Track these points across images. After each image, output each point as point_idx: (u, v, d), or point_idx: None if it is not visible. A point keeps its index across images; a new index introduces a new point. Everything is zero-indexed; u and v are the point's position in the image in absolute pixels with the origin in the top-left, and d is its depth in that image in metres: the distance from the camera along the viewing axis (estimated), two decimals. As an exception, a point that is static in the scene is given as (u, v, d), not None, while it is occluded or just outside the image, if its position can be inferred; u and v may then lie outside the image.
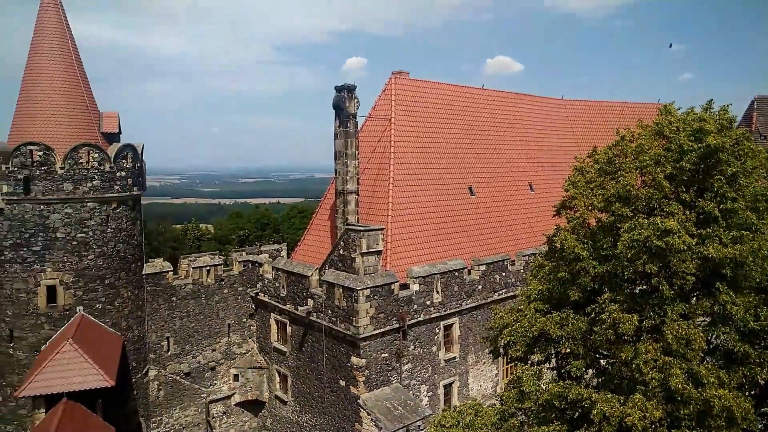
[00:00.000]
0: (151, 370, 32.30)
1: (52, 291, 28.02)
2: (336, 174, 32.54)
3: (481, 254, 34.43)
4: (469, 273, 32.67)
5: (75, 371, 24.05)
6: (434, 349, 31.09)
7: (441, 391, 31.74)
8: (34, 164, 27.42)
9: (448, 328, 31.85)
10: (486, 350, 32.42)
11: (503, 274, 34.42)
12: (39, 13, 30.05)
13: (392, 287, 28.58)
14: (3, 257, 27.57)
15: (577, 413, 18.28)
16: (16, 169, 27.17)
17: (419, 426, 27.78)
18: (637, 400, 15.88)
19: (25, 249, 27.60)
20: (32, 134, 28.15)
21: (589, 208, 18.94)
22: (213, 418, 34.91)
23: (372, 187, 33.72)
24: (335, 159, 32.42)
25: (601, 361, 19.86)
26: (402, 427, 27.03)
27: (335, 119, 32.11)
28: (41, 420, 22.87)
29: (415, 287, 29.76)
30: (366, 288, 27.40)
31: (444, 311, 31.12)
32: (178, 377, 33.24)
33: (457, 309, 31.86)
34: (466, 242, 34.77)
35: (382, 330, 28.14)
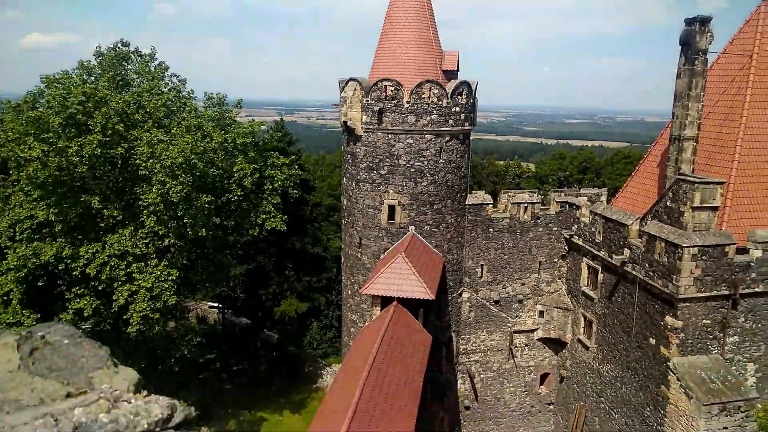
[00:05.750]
0: (464, 292, 35.41)
1: (391, 210, 32.58)
2: (673, 117, 29.60)
3: None
4: (835, 246, 26.89)
5: (404, 281, 27.87)
6: (772, 326, 26.93)
7: (774, 376, 27.59)
8: (387, 98, 31.55)
9: (795, 306, 27.10)
10: None
11: None
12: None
13: (726, 249, 25.40)
14: (359, 177, 32.99)
15: None
16: (373, 102, 31.71)
17: (739, 407, 24.85)
18: None
19: (375, 172, 32.47)
20: (387, 72, 32.26)
21: None
22: (515, 347, 36.83)
23: (715, 134, 29.82)
24: (675, 101, 29.40)
25: None
26: (717, 404, 24.58)
27: (680, 56, 28.86)
28: (378, 315, 27.44)
29: (757, 253, 25.89)
30: (694, 246, 24.94)
31: (792, 286, 26.49)
32: (487, 303, 35.76)
33: (812, 286, 26.75)
34: (838, 209, 28.45)
35: (707, 294, 25.47)
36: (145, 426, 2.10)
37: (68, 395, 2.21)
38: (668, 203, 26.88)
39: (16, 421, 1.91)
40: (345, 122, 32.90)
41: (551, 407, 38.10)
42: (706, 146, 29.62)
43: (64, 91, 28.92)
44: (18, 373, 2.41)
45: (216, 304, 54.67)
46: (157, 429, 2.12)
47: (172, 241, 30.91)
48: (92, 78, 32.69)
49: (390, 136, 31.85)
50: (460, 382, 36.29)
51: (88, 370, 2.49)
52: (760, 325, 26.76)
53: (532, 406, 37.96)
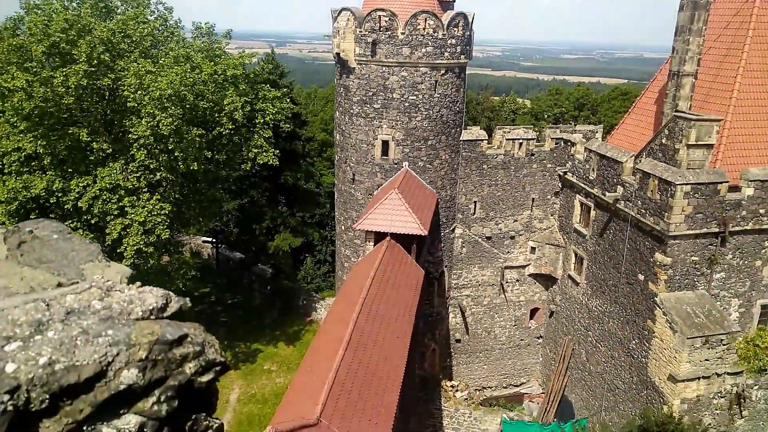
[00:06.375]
0: (457, 228, 35.61)
1: (385, 145, 32.24)
2: (673, 52, 29.03)
3: None
4: (826, 185, 27.03)
5: (397, 217, 27.91)
6: (758, 263, 27.43)
7: (757, 311, 28.32)
8: (381, 29, 30.61)
9: (782, 243, 27.51)
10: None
11: None
12: None
13: (718, 187, 25.50)
14: (352, 111, 32.44)
15: None
16: (366, 33, 30.78)
17: (721, 340, 25.60)
18: None
19: (368, 105, 31.91)
20: (381, 1, 31.19)
21: None
22: (506, 282, 37.43)
23: (715, 71, 29.34)
24: (675, 35, 28.76)
25: None
26: (701, 336, 25.28)
27: (684, -12, 28.02)
28: (371, 250, 27.64)
29: (749, 191, 26.02)
30: (686, 183, 25.01)
31: (781, 224, 26.80)
32: (479, 239, 36.06)
33: (800, 224, 27.06)
34: (832, 147, 28.42)
35: (697, 232, 25.75)
36: (139, 313, 2.06)
37: (59, 285, 2.16)
38: (664, 140, 26.74)
39: (7, 304, 1.86)
40: (338, 54, 32.05)
41: (540, 341, 39.16)
42: (704, 82, 29.20)
43: (45, 17, 27.86)
44: (6, 262, 2.35)
45: (210, 239, 54.89)
46: (152, 317, 2.09)
47: (163, 174, 30.64)
48: (74, 4, 31.46)
49: (384, 68, 31.12)
50: (451, 315, 37.06)
51: (79, 262, 2.44)
52: (746, 262, 27.24)
53: (522, 340, 38.99)
